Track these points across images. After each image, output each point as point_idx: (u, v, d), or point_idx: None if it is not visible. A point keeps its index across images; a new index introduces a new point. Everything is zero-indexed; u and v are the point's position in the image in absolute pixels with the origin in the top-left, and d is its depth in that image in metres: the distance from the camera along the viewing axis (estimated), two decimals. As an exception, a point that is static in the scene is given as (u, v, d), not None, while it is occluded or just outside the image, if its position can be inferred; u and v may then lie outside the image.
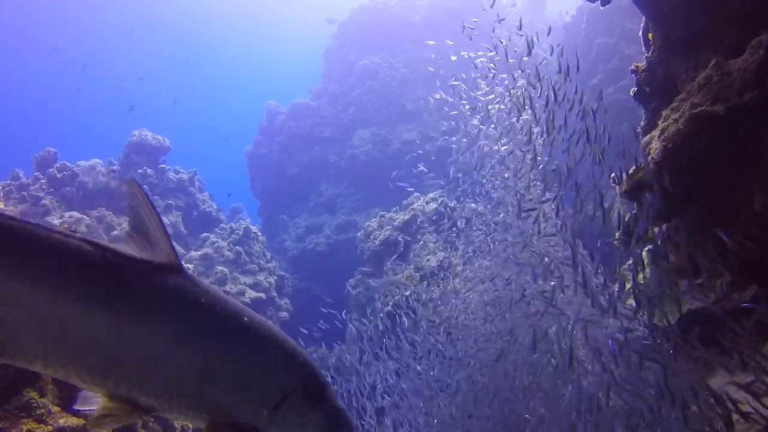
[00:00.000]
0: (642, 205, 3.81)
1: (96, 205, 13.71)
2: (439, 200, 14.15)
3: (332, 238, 18.00)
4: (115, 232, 13.00)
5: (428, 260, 11.54)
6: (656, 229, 4.06)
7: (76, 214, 12.89)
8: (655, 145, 3.81)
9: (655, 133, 4.32)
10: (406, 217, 13.33)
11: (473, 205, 14.54)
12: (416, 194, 15.31)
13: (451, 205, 13.97)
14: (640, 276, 7.64)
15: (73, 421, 4.19)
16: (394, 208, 14.64)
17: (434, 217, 13.35)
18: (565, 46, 17.93)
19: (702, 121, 3.01)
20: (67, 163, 14.15)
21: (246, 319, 1.75)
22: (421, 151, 15.24)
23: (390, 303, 11.23)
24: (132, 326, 1.58)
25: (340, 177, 19.29)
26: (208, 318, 1.68)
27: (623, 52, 14.31)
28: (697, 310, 6.90)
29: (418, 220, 13.09)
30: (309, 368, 1.85)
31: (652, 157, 3.26)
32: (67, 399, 4.21)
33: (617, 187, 3.69)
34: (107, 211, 13.47)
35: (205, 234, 14.42)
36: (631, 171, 3.52)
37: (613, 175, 3.90)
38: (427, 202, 14.19)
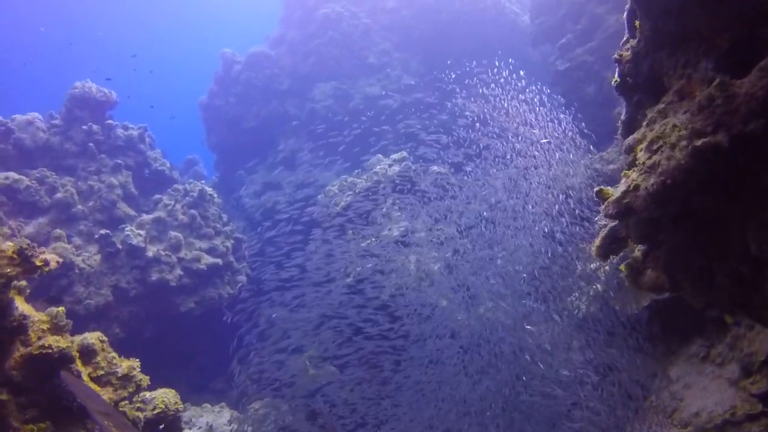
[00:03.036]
0: (626, 225, 3.57)
1: (36, 164, 12.72)
2: (402, 163, 13.72)
3: (291, 195, 17.47)
4: (57, 195, 12.16)
5: (390, 230, 11.25)
6: (638, 246, 3.85)
7: (13, 174, 11.94)
8: (643, 158, 3.53)
9: (640, 137, 4.02)
10: (368, 183, 12.90)
11: (436, 167, 14.17)
12: (378, 155, 14.81)
13: (414, 167, 13.61)
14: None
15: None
16: (356, 171, 14.16)
17: (397, 181, 12.97)
18: (533, 2, 17.06)
19: (706, 156, 2.72)
20: (0, 117, 13.01)
21: None
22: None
23: (351, 275, 10.99)
24: None
25: (300, 131, 18.54)
26: None
27: (593, 12, 13.85)
28: (661, 299, 6.90)
29: (381, 185, 12.68)
30: None
31: (646, 188, 2.97)
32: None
33: (602, 207, 3.42)
34: (49, 171, 12.52)
35: (158, 196, 13.64)
36: (618, 195, 3.24)
37: (596, 189, 3.63)
38: (390, 165, 13.73)
